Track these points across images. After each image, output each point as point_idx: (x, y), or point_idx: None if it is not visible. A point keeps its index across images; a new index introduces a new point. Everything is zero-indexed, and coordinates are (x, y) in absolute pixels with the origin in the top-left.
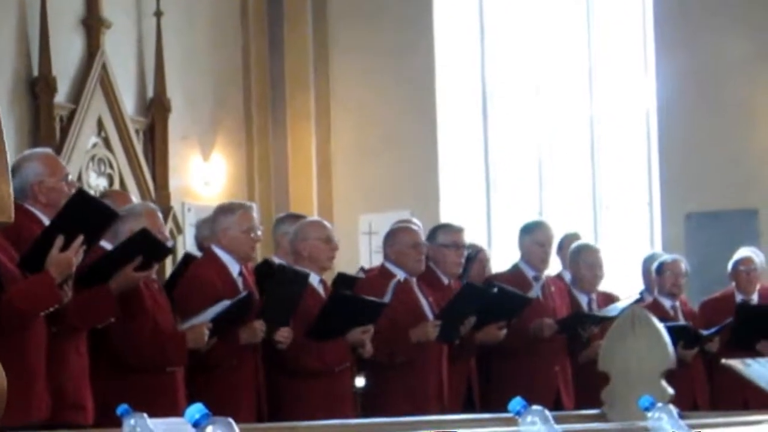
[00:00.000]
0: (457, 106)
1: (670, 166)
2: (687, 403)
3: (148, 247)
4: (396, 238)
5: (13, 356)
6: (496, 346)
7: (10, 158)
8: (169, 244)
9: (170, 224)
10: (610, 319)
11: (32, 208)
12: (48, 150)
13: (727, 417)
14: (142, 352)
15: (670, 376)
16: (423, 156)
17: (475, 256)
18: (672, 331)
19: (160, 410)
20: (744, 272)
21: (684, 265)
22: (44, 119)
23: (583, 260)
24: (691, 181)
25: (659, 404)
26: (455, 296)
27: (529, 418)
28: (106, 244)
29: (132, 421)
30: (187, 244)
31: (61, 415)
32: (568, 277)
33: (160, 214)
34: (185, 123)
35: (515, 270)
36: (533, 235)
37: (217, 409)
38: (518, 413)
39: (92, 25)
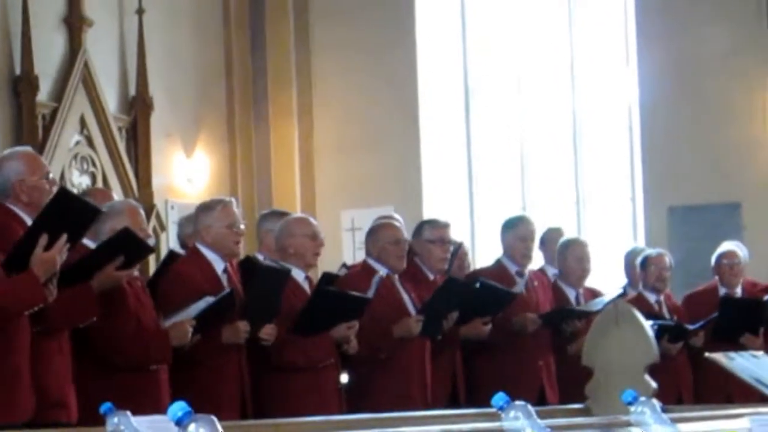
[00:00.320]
0: (440, 102)
1: (653, 160)
2: (672, 397)
3: (130, 246)
4: (378, 234)
5: None
6: (480, 341)
7: None
8: (151, 242)
9: (153, 222)
10: (593, 314)
11: (14, 207)
12: (28, 148)
13: (710, 410)
14: (126, 350)
15: (655, 371)
16: (405, 152)
17: (457, 251)
18: (659, 325)
19: (144, 408)
20: (727, 266)
21: (668, 259)
22: (27, 118)
23: (571, 254)
24: (674, 175)
25: (642, 398)
26: (437, 291)
27: (512, 413)
28: (88, 242)
29: (115, 419)
30: (170, 241)
31: (44, 414)
32: (551, 271)
33: (142, 211)
34: (168, 120)
35: (498, 265)
36: (515, 230)
37: (202, 405)
38: (501, 408)
39: (74, 23)
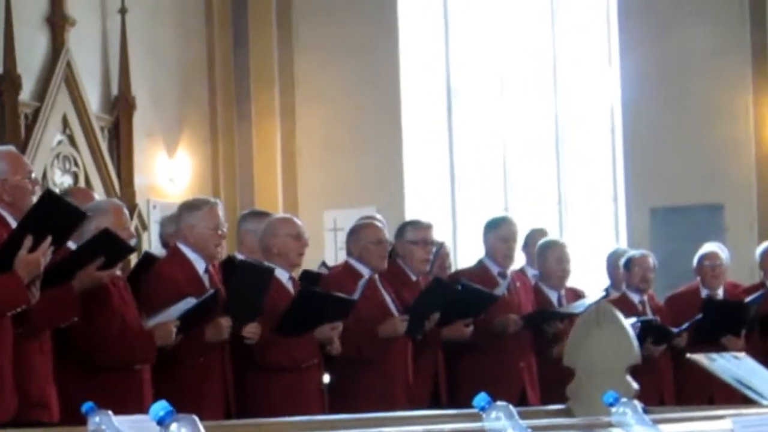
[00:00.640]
0: (422, 102)
1: (635, 160)
2: (653, 399)
3: (111, 246)
4: (360, 234)
5: None
6: (462, 342)
7: None
8: (133, 242)
9: (136, 221)
10: (575, 316)
11: None
12: (11, 147)
13: (692, 412)
14: (110, 349)
15: (637, 372)
16: (388, 152)
17: (438, 251)
18: (643, 326)
19: (126, 408)
20: (709, 267)
21: (652, 260)
22: (9, 117)
23: (551, 255)
24: (656, 176)
25: (623, 399)
26: (424, 291)
27: (493, 414)
28: (70, 243)
29: (97, 419)
30: (152, 241)
31: (25, 413)
32: (531, 272)
33: (126, 211)
34: (150, 120)
35: (480, 266)
36: (497, 231)
37: (185, 405)
38: (483, 409)
39: (57, 22)
